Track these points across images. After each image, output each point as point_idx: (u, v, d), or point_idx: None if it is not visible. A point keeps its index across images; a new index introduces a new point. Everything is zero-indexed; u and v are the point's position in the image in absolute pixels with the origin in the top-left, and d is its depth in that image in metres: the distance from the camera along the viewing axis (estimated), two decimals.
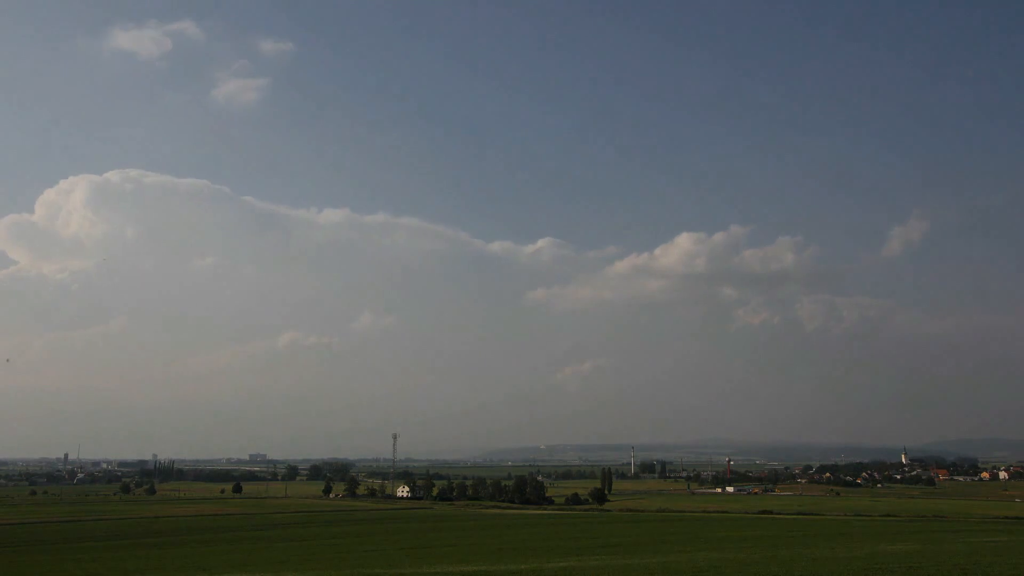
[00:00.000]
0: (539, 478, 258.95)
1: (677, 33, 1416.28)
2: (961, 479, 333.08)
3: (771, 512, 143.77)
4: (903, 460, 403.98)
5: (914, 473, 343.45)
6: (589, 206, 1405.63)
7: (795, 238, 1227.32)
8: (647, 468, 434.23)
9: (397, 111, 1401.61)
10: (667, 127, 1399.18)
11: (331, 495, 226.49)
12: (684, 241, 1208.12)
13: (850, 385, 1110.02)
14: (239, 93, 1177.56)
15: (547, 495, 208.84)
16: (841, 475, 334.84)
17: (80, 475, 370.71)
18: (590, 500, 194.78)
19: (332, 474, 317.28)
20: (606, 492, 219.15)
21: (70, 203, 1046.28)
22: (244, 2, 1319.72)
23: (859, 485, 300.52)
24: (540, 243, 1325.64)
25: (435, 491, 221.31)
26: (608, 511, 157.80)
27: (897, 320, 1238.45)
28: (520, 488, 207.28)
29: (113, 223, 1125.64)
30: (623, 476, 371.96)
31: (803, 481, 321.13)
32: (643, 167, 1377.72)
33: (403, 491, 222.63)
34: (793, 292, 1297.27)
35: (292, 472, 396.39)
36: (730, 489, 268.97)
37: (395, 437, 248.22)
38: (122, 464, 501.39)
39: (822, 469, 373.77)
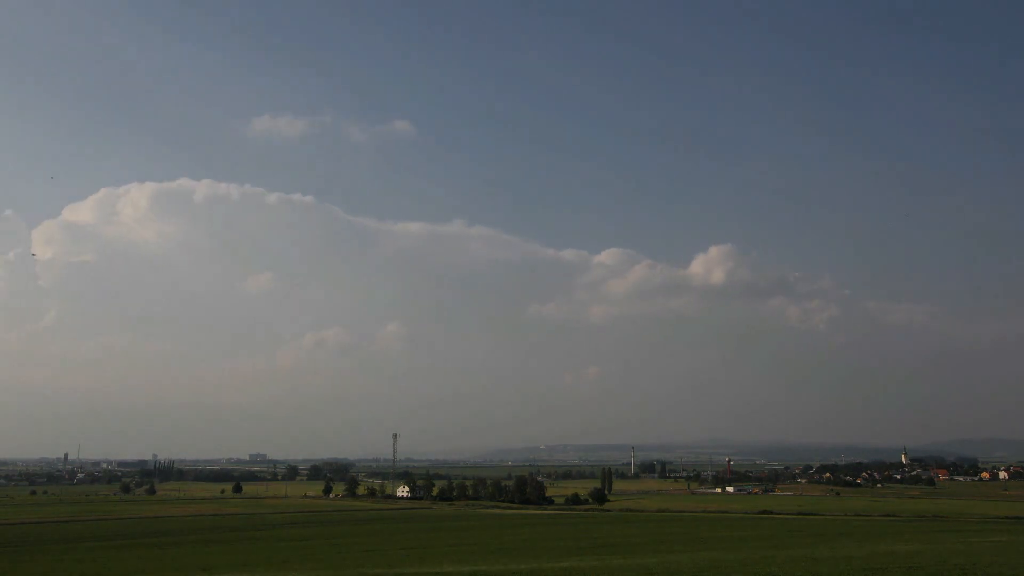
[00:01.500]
0: (539, 478, 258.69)
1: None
2: (961, 479, 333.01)
3: (771, 512, 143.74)
4: (903, 460, 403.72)
5: (914, 473, 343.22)
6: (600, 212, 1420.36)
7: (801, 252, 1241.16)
8: (647, 468, 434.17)
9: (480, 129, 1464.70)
10: (741, 143, 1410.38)
11: (331, 495, 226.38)
12: (713, 253, 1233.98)
13: (850, 385, 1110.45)
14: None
15: (547, 495, 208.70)
16: (841, 475, 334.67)
17: (80, 475, 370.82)
18: (590, 500, 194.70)
19: (332, 474, 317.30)
20: (606, 492, 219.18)
21: (127, 206, 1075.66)
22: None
23: (859, 485, 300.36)
24: (604, 253, 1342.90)
25: (435, 491, 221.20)
26: (608, 511, 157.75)
27: (897, 322, 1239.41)
28: (520, 488, 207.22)
29: (179, 229, 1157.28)
30: (623, 476, 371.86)
31: (803, 481, 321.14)
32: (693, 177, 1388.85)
33: (403, 491, 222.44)
34: (791, 297, 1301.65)
35: (292, 472, 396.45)
36: (730, 489, 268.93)
37: (395, 437, 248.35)
38: (122, 464, 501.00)
39: (822, 469, 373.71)
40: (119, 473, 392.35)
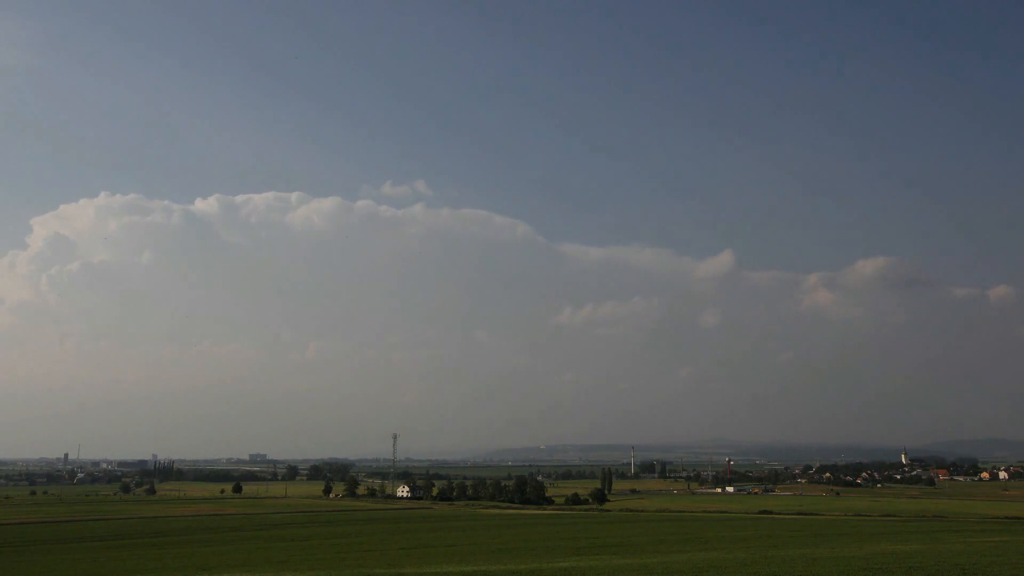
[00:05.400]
0: (539, 478, 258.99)
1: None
2: (961, 479, 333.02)
3: (771, 512, 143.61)
4: (903, 460, 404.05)
5: (914, 473, 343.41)
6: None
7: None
8: (647, 468, 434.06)
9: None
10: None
11: (331, 495, 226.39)
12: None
13: (850, 385, 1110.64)
14: None
15: (547, 495, 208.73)
16: (841, 475, 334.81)
17: (80, 475, 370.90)
18: (590, 500, 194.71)
19: (332, 474, 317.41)
20: (606, 492, 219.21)
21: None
22: None
23: (859, 485, 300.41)
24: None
25: (435, 491, 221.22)
26: (608, 511, 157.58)
27: (896, 321, 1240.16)
28: (520, 488, 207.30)
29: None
30: (623, 476, 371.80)
31: (803, 481, 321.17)
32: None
33: (403, 491, 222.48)
34: (790, 297, 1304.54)
35: (292, 472, 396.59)
36: (730, 489, 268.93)
37: (395, 437, 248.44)
38: (122, 464, 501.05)
39: (822, 469, 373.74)
40: (119, 473, 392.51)
